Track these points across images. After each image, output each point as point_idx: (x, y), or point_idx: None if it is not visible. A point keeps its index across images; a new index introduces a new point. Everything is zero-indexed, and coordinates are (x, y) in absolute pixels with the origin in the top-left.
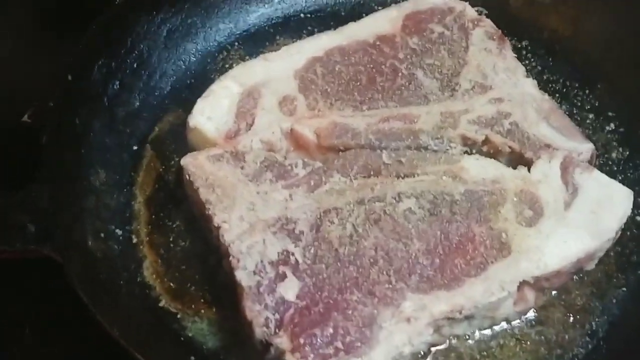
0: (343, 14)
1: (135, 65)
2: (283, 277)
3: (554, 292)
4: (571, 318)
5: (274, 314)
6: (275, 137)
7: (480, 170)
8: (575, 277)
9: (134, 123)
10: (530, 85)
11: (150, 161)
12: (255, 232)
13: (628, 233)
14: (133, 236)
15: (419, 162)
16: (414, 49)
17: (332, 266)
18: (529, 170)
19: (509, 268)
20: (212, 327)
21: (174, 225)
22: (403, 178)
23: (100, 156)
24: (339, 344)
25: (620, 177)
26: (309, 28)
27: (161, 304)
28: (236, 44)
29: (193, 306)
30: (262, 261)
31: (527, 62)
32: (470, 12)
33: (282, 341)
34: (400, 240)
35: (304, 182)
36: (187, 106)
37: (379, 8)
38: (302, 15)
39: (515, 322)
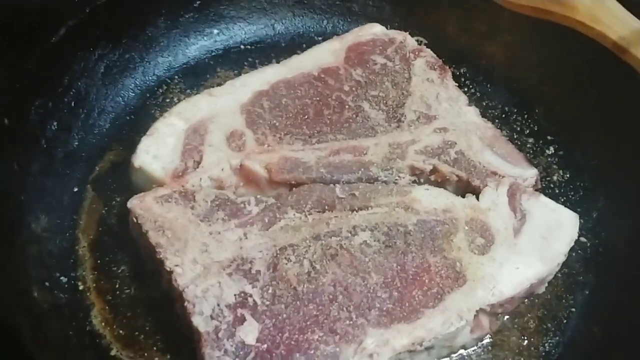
0: (283, 44)
1: (73, 104)
2: (242, 320)
3: (507, 317)
4: (525, 341)
5: (234, 359)
6: (225, 174)
7: (431, 200)
8: (526, 300)
9: (73, 164)
10: (472, 114)
11: (92, 203)
12: (210, 275)
13: (574, 254)
14: (79, 283)
15: (371, 194)
16: (359, 80)
17: (291, 305)
18: (477, 198)
19: (465, 297)
20: None
21: (120, 270)
22: (357, 211)
23: (40, 201)
24: None
25: (562, 199)
26: (250, 59)
27: (112, 353)
28: (176, 77)
29: (146, 354)
30: (218, 305)
31: (466, 89)
32: (411, 42)
33: None
34: (358, 275)
35: (257, 219)
36: (128, 143)
37: (319, 38)
38: (242, 46)
39: (472, 349)
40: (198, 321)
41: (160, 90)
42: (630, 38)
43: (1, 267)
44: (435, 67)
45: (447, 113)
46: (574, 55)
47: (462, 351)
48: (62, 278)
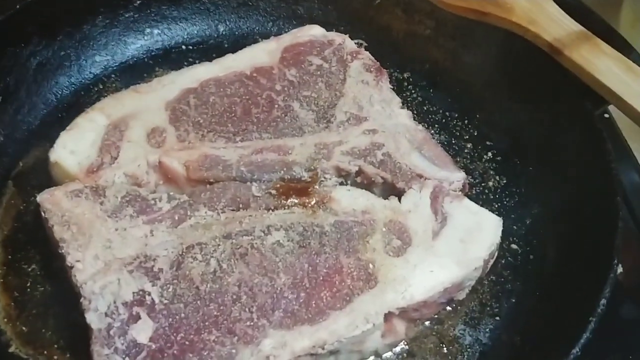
0: (226, 45)
1: (0, 100)
2: (136, 318)
3: (427, 323)
4: (444, 349)
5: (124, 358)
6: (141, 171)
7: (351, 201)
8: (449, 307)
9: None
10: (404, 116)
11: (11, 198)
12: (110, 272)
13: (503, 261)
14: None
15: (289, 194)
16: (292, 80)
17: (191, 305)
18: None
19: (374, 299)
20: None
21: (31, 267)
22: (273, 210)
23: None
24: None
25: (496, 205)
26: (190, 60)
27: (11, 350)
28: (113, 76)
29: (45, 352)
30: (115, 302)
31: (408, 93)
32: (350, 44)
33: None
34: (266, 275)
35: (167, 217)
36: (55, 140)
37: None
38: (183, 47)
39: (386, 355)
40: (92, 318)
41: (96, 89)
42: (566, 40)
43: None
44: (372, 69)
45: (378, 115)
46: (515, 61)
47: (374, 358)
48: None
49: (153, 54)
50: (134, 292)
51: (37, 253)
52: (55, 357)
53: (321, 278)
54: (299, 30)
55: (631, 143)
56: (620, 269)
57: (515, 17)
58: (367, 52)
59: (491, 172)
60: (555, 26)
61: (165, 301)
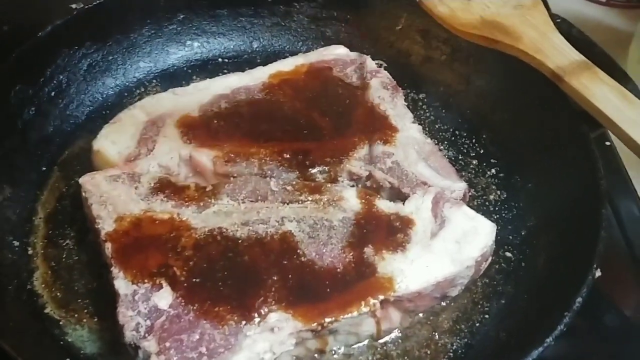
0: (259, 60)
1: (52, 94)
2: (159, 287)
3: (422, 315)
4: (436, 336)
5: (145, 320)
6: (173, 162)
7: (359, 201)
8: (443, 302)
9: (46, 147)
10: (415, 130)
11: (55, 181)
12: None
13: (497, 266)
14: (29, 248)
15: (304, 190)
16: (315, 92)
17: (208, 279)
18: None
19: (371, 286)
20: (92, 335)
21: (66, 242)
22: (288, 204)
23: (8, 174)
24: (204, 349)
25: (495, 217)
26: (225, 71)
27: (46, 311)
28: (154, 81)
29: (76, 315)
30: (141, 273)
31: (422, 112)
32: (371, 64)
33: (150, 344)
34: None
35: (193, 203)
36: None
37: None
38: (220, 59)
39: (381, 340)
40: (120, 284)
41: (138, 92)
42: (567, 68)
43: None
44: (389, 87)
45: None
46: (521, 87)
47: (369, 341)
48: (14, 242)
49: (192, 64)
50: (158, 265)
51: (74, 230)
52: (84, 320)
53: (325, 265)
54: (324, 49)
55: (631, 172)
56: (598, 273)
57: (522, 46)
58: (386, 72)
59: (493, 187)
60: (559, 55)
61: (186, 274)
